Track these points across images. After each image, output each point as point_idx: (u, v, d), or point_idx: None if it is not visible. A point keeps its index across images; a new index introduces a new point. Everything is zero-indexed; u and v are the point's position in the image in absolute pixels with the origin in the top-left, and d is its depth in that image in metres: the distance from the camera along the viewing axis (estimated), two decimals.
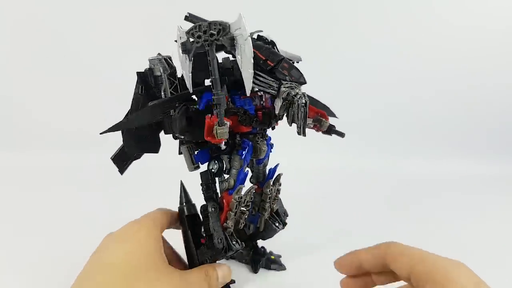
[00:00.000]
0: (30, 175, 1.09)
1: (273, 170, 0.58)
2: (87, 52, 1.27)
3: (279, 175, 0.58)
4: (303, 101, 0.44)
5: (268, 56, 0.46)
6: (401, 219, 0.85)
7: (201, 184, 0.52)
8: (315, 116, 0.50)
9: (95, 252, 0.44)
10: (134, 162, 0.54)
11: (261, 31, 0.51)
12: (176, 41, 0.45)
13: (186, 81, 0.46)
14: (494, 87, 1.37)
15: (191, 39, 0.43)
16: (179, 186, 0.54)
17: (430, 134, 1.38)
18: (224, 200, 0.50)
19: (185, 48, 0.43)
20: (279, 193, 0.58)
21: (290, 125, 0.46)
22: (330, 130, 0.51)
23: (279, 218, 0.59)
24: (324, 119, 0.50)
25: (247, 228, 0.60)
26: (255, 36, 0.51)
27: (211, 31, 0.41)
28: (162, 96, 0.49)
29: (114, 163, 0.53)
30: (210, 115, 0.45)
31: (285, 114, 0.46)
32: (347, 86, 1.30)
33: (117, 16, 1.25)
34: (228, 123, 0.45)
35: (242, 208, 0.51)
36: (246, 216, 0.53)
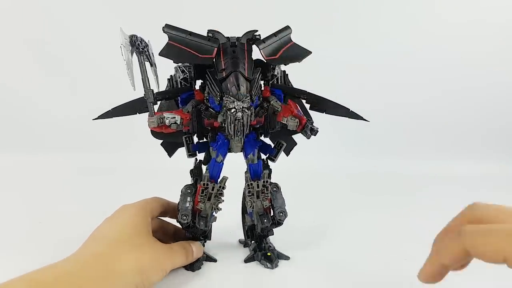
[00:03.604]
0: (34, 175, 1.12)
1: (253, 166, 0.58)
2: (89, 53, 1.30)
3: (265, 172, 0.57)
4: (239, 115, 0.50)
5: (226, 66, 0.51)
6: (399, 217, 0.85)
7: (190, 170, 0.60)
8: (288, 116, 0.55)
9: (95, 229, 0.52)
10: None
11: (256, 31, 0.55)
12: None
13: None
14: (495, 87, 1.37)
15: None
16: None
17: (430, 135, 1.37)
18: (199, 185, 0.57)
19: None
20: (267, 190, 0.58)
21: (227, 133, 0.54)
22: (302, 131, 0.55)
23: (270, 215, 0.59)
24: (292, 120, 0.54)
25: (245, 220, 0.64)
26: (250, 36, 0.54)
27: (139, 42, 0.51)
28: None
29: (163, 148, 0.62)
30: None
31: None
32: (348, 87, 1.30)
33: (120, 19, 1.27)
34: (175, 116, 0.52)
35: (217, 195, 0.56)
36: (220, 202, 0.58)
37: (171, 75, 0.59)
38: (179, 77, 0.58)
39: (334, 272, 0.59)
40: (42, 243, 0.66)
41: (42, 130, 1.29)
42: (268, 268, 0.59)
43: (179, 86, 0.58)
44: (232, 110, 0.50)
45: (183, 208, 0.56)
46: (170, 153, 0.62)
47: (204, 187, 0.56)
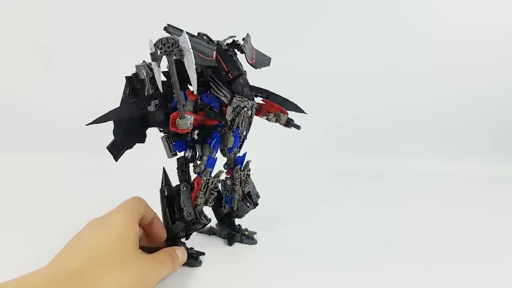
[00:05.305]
0: (34, 175, 1.14)
1: (241, 158, 0.66)
2: (88, 54, 1.31)
3: (247, 162, 0.66)
4: (249, 113, 0.58)
5: (231, 69, 0.55)
6: (397, 215, 0.86)
7: (177, 168, 0.60)
8: (276, 112, 0.62)
9: (77, 234, 0.47)
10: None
11: (234, 36, 0.59)
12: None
13: (157, 84, 0.53)
14: (497, 88, 1.37)
15: (158, 50, 0.50)
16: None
17: (432, 134, 1.37)
18: (195, 182, 0.59)
19: (153, 57, 0.51)
20: (249, 177, 0.66)
21: (235, 129, 0.59)
22: (289, 123, 0.64)
23: (250, 199, 0.67)
24: (282, 114, 0.62)
25: (223, 208, 0.68)
26: (230, 41, 0.59)
27: (168, 44, 0.50)
28: None
29: (110, 152, 0.61)
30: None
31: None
32: (350, 87, 1.30)
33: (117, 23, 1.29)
34: (191, 116, 0.52)
35: (211, 189, 0.59)
36: (214, 196, 0.60)
37: (133, 74, 0.59)
38: (146, 76, 0.58)
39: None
40: (42, 243, 0.66)
41: (42, 130, 1.30)
42: (252, 244, 0.67)
43: (147, 86, 0.58)
44: (245, 109, 0.56)
45: (188, 206, 0.57)
46: (116, 158, 0.61)
47: (206, 181, 0.58)
